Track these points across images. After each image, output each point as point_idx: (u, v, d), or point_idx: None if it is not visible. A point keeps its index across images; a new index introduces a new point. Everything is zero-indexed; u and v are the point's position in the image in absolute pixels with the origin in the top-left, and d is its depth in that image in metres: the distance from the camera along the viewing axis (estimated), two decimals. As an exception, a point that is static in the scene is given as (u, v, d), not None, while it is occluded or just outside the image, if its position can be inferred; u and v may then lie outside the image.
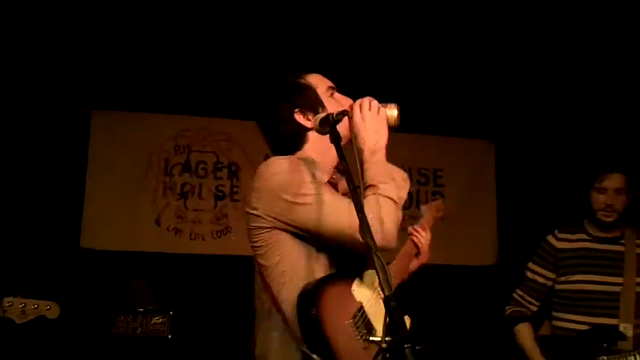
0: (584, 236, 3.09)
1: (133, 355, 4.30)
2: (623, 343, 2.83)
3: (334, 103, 2.01)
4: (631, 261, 2.97)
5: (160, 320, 4.29)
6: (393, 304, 1.33)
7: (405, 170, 5.74)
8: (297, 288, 1.71)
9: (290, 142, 1.98)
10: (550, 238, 3.17)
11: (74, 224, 4.51)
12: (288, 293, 1.75)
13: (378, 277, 1.39)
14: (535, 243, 4.94)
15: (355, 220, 1.52)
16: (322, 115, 1.78)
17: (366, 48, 4.46)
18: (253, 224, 1.85)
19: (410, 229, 2.55)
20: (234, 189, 4.81)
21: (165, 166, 4.72)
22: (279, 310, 1.78)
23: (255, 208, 1.83)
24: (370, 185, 1.80)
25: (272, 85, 2.06)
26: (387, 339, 1.36)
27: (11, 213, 4.30)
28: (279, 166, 1.84)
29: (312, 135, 1.94)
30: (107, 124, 4.62)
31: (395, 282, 2.34)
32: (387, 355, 1.37)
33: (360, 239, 1.50)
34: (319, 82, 2.05)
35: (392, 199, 1.78)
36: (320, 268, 1.80)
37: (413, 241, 2.52)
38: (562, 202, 4.94)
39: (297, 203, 1.76)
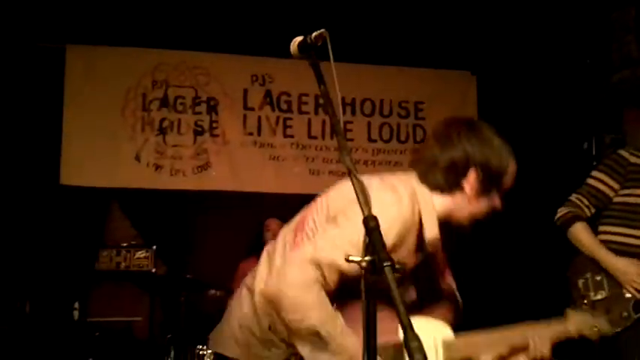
0: None
1: (118, 289, 4.35)
2: None
3: (487, 198, 1.85)
4: None
5: (144, 255, 4.34)
6: (373, 224, 1.34)
7: (385, 103, 5.61)
8: None
9: (440, 184, 1.81)
10: (623, 152, 3.02)
11: (53, 161, 4.46)
12: None
13: (358, 199, 1.39)
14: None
15: None
16: (299, 38, 1.73)
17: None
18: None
19: None
20: (214, 124, 4.76)
21: (143, 101, 4.64)
22: None
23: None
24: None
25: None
26: (366, 258, 1.36)
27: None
28: (401, 215, 1.74)
29: (459, 196, 1.83)
30: (83, 58, 4.53)
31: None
32: (368, 275, 1.38)
33: None
34: (509, 176, 1.88)
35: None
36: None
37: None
38: (544, 133, 4.99)
39: None
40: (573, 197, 3.02)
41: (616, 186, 2.97)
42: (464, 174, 1.82)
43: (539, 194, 4.74)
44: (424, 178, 1.85)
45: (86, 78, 4.52)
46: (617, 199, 2.98)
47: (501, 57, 5.04)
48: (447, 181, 1.83)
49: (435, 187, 1.84)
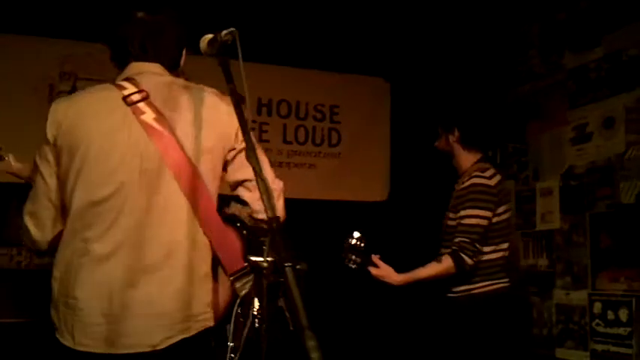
0: None
1: (18, 289, 4.16)
2: None
3: None
4: (452, 198, 3.45)
5: (46, 254, 4.16)
6: (276, 225, 1.35)
7: (302, 105, 5.77)
8: None
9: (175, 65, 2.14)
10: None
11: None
12: None
13: (262, 199, 1.40)
14: (425, 182, 5.17)
15: None
16: (210, 36, 1.73)
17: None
18: None
19: None
20: (124, 119, 4.63)
21: (50, 92, 4.45)
22: None
23: None
24: None
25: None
26: (268, 259, 1.37)
27: None
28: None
29: None
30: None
31: None
32: (270, 275, 1.39)
33: None
34: None
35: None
36: None
37: None
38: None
39: None
40: None
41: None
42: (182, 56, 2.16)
43: (447, 197, 4.91)
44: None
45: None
46: None
47: (414, 65, 5.18)
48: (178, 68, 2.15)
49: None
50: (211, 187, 1.91)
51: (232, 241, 1.92)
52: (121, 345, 1.78)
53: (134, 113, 1.89)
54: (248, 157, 1.50)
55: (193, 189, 1.85)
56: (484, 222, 3.26)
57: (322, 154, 5.13)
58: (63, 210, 1.92)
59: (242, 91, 1.69)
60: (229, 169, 1.99)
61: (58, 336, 1.85)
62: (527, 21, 4.80)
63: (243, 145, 1.91)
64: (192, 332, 1.81)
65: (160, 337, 1.78)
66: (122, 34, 2.01)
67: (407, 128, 5.26)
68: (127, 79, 1.97)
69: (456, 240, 3.23)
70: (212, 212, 1.88)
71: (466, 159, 3.48)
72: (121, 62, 2.03)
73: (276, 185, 1.96)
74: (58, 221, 1.94)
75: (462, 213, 3.28)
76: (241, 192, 1.99)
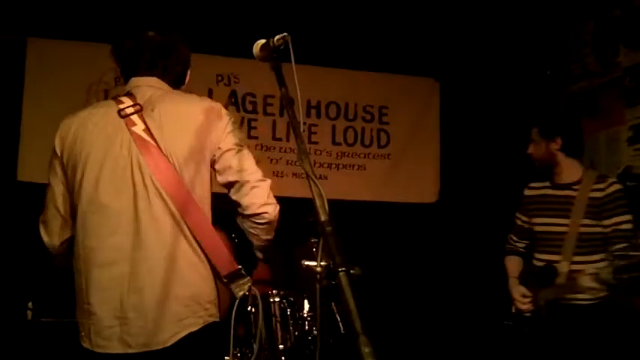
0: (547, 184, 3.38)
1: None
2: (559, 278, 3.20)
3: None
4: (580, 204, 3.23)
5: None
6: (329, 229, 1.34)
7: (350, 107, 5.74)
8: None
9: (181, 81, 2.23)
10: (525, 188, 3.51)
11: (11, 157, 4.37)
12: None
13: (315, 203, 1.41)
14: (475, 183, 5.10)
15: None
16: (262, 41, 1.74)
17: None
18: None
19: None
20: (178, 123, 4.71)
21: (105, 97, 4.54)
22: None
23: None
24: None
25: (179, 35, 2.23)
26: (322, 263, 1.37)
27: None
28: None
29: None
30: (44, 52, 4.43)
31: None
32: (323, 280, 1.38)
33: None
34: None
35: None
36: None
37: None
38: (503, 140, 5.07)
39: None
40: (509, 236, 3.59)
41: (524, 218, 3.48)
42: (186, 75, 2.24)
43: (498, 198, 4.83)
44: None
45: (47, 72, 4.42)
46: (534, 229, 3.42)
47: (465, 65, 5.11)
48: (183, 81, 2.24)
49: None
50: (199, 190, 2.00)
51: (221, 244, 2.01)
52: (134, 344, 1.89)
53: (127, 125, 2.00)
54: (300, 161, 1.51)
55: (180, 196, 1.95)
56: (632, 225, 3.24)
57: (371, 156, 5.11)
58: (73, 218, 2.04)
59: (294, 95, 1.69)
60: (217, 170, 2.08)
61: (80, 341, 1.97)
62: (581, 18, 4.69)
63: (228, 145, 2.04)
64: (197, 327, 1.93)
65: (169, 334, 1.90)
66: (130, 51, 2.14)
67: (457, 129, 5.20)
68: (127, 94, 2.10)
69: (621, 246, 3.17)
70: (200, 216, 1.98)
71: (573, 166, 3.34)
72: (125, 76, 2.17)
73: (253, 177, 2.06)
74: (65, 228, 2.08)
75: (617, 219, 3.21)
76: (230, 193, 2.09)
